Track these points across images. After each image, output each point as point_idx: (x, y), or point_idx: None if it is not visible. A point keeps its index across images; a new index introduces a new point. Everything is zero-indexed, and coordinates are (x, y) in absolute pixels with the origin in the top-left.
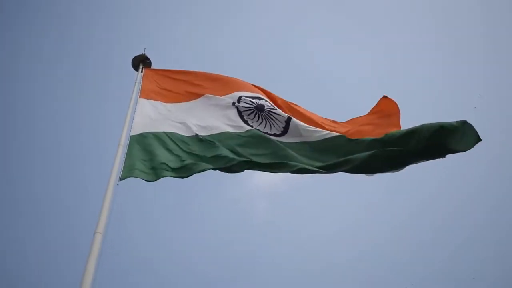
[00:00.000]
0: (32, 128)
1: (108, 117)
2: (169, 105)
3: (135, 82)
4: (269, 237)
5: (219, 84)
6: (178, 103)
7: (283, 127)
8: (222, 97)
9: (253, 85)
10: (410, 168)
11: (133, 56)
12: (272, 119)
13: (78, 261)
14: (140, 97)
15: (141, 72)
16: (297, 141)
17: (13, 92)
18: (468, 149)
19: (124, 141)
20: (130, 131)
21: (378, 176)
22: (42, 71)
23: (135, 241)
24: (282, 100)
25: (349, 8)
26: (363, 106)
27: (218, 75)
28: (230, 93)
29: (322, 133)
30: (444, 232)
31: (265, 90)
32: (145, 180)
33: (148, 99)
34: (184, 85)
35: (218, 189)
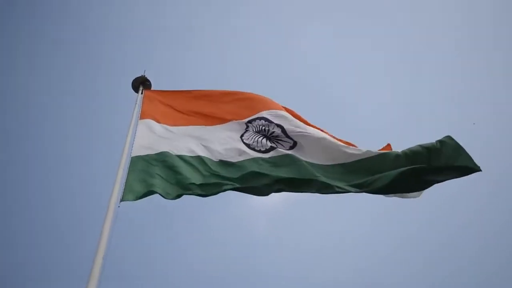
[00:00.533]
0: (31, 151)
1: (109, 139)
2: (182, 128)
3: (135, 104)
4: (270, 253)
5: (239, 106)
6: (196, 126)
7: (290, 145)
8: (243, 120)
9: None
10: None
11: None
12: (279, 139)
13: (79, 286)
14: (140, 119)
15: (141, 93)
16: (330, 164)
17: (16, 114)
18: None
19: (124, 163)
20: (131, 152)
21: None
22: (43, 94)
23: (136, 262)
24: (307, 122)
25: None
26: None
27: (234, 93)
28: (251, 116)
29: (354, 153)
30: (450, 247)
31: (288, 109)
32: (164, 197)
33: (152, 120)
34: (200, 107)
35: (220, 206)
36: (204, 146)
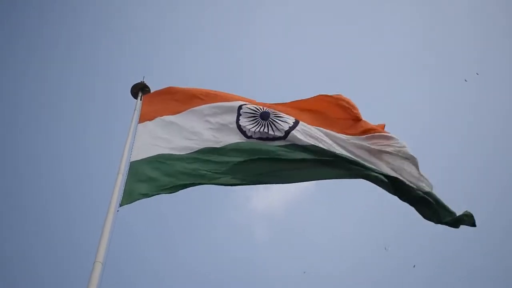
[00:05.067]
0: (34, 158)
1: (110, 145)
2: (182, 114)
3: (134, 110)
4: (269, 257)
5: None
6: (187, 110)
7: (285, 131)
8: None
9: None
10: None
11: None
12: (275, 123)
13: None
14: (139, 122)
15: (140, 100)
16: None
17: (16, 123)
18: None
19: (123, 169)
20: (130, 158)
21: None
22: (45, 101)
23: (136, 267)
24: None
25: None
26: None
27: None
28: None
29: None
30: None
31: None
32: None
33: (150, 120)
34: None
35: (220, 211)
36: (200, 133)
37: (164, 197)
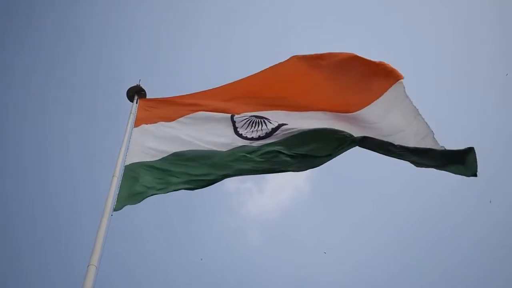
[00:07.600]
0: (30, 160)
1: (105, 148)
2: (173, 122)
3: (130, 113)
4: (262, 262)
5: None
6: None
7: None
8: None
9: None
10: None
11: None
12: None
13: None
14: (135, 126)
15: (136, 103)
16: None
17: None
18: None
19: (118, 172)
20: (125, 161)
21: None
22: (42, 101)
23: (129, 270)
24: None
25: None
26: None
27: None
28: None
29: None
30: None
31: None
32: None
33: (146, 124)
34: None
35: (211, 218)
36: (194, 138)
37: (158, 200)
